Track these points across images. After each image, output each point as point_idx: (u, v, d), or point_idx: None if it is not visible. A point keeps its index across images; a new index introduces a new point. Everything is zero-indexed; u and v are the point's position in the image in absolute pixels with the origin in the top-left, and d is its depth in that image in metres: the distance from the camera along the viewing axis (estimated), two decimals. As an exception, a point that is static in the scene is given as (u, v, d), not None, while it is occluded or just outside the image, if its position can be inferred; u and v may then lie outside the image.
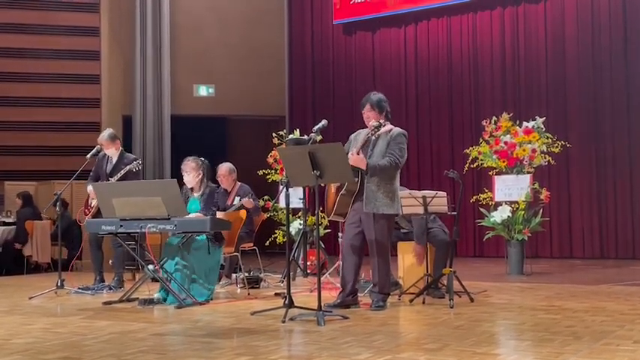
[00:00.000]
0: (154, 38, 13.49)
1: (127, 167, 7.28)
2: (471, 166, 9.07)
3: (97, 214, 7.04)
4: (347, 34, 13.66)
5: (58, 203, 7.42)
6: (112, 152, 7.55)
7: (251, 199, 7.65)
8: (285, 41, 14.26)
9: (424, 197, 6.22)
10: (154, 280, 6.42)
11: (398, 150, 5.60)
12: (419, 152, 12.44)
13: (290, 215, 5.98)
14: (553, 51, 11.72)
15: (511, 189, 8.58)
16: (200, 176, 6.64)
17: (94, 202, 7.25)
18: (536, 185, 8.62)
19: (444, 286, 6.20)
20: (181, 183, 6.38)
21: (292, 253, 8.09)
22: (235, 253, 7.29)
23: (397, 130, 5.70)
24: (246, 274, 7.33)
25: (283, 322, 4.92)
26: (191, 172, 6.61)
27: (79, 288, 7.20)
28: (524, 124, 8.71)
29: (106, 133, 7.64)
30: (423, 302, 5.89)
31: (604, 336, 4.27)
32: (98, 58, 13.33)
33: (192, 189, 6.68)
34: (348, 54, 13.62)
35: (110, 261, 7.67)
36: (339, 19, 13.58)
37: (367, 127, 5.70)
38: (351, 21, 13.48)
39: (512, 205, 8.54)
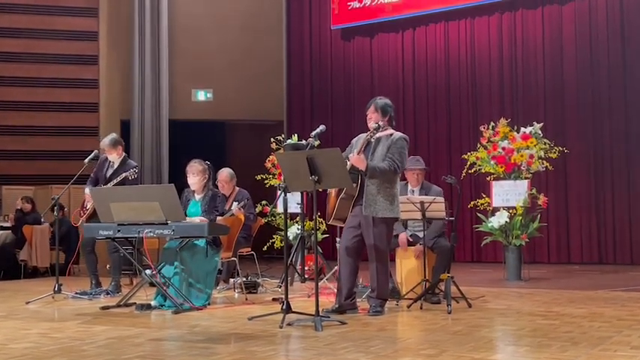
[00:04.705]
0: (153, 43, 13.50)
1: (124, 174, 7.14)
2: (469, 171, 9.08)
3: (92, 216, 7.02)
4: (345, 39, 13.67)
5: (55, 208, 7.39)
6: (114, 158, 7.36)
7: (241, 210, 7.46)
8: (283, 46, 14.26)
9: (422, 202, 6.22)
10: (152, 285, 6.41)
11: (398, 154, 5.60)
12: (417, 157, 12.44)
13: (288, 220, 5.98)
14: (551, 57, 11.74)
15: (509, 194, 8.58)
16: (205, 180, 6.65)
17: (89, 205, 7.20)
18: (534, 191, 8.62)
19: (441, 291, 6.20)
20: (180, 187, 6.37)
21: (290, 258, 8.09)
22: (233, 258, 7.28)
23: (398, 134, 5.70)
24: (244, 279, 7.32)
25: (281, 327, 4.91)
26: (198, 174, 6.61)
27: (76, 293, 7.17)
28: (522, 129, 8.72)
29: (107, 139, 7.43)
30: (421, 308, 5.89)
31: (602, 342, 4.27)
32: (96, 63, 13.35)
33: (194, 191, 6.68)
34: (346, 59, 13.63)
35: (107, 266, 7.64)
36: (337, 25, 13.60)
37: (368, 128, 5.72)
38: (349, 26, 13.50)
39: (510, 211, 8.54)
